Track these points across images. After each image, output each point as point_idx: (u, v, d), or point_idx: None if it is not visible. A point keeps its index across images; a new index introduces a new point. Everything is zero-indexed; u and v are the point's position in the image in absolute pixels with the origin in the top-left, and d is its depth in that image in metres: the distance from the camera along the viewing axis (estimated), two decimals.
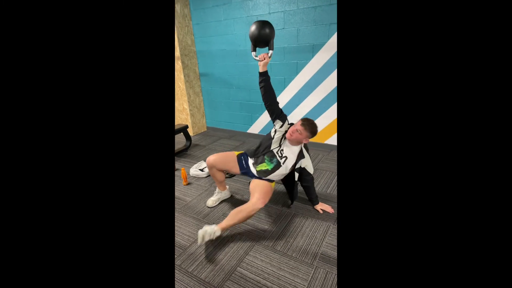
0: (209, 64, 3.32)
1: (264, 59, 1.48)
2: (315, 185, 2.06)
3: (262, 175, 1.62)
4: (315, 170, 2.36)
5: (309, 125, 1.51)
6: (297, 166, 1.60)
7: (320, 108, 2.70)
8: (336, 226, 1.61)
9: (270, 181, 1.65)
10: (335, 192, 2.00)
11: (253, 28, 1.44)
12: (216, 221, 1.71)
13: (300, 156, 1.60)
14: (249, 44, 2.86)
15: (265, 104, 1.58)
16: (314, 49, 2.51)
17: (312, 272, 1.29)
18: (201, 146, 3.13)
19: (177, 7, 2.96)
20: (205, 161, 2.54)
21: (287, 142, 1.61)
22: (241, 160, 1.72)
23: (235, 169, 1.72)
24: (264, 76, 1.52)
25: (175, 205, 1.92)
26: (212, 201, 1.88)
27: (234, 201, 1.94)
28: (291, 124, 1.64)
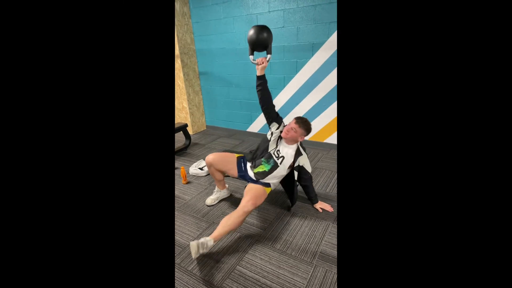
0: (208, 63, 3.31)
1: (263, 63, 1.50)
2: (314, 184, 2.07)
3: (260, 176, 1.61)
4: (314, 169, 2.36)
5: (303, 122, 1.54)
6: (296, 164, 1.59)
7: (320, 107, 2.70)
8: (335, 225, 1.61)
9: (267, 185, 1.62)
10: (335, 191, 2.00)
11: (251, 32, 1.45)
12: (215, 220, 1.71)
13: (298, 153, 1.60)
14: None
15: (261, 107, 1.60)
16: (314, 48, 2.51)
17: (312, 270, 1.29)
18: (200, 145, 3.13)
19: (177, 5, 2.95)
20: (204, 159, 2.54)
21: (283, 141, 1.62)
22: (240, 162, 1.72)
23: (233, 171, 1.70)
24: (262, 80, 1.53)
25: (175, 204, 1.92)
26: (211, 199, 1.88)
27: (233, 200, 1.94)
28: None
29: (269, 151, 1.62)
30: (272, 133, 1.64)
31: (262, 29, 1.44)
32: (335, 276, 1.25)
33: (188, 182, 2.22)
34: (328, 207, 1.75)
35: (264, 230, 1.60)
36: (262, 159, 1.62)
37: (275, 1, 2.55)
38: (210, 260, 1.37)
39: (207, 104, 3.60)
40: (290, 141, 1.58)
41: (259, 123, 3.24)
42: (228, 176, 1.99)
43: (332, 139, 2.77)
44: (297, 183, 1.71)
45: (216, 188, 1.89)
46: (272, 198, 1.91)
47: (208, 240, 1.28)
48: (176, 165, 2.54)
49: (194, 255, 1.25)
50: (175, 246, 1.49)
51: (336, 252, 1.40)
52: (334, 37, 2.38)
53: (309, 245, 1.46)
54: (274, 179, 1.62)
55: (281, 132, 1.61)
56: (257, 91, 1.56)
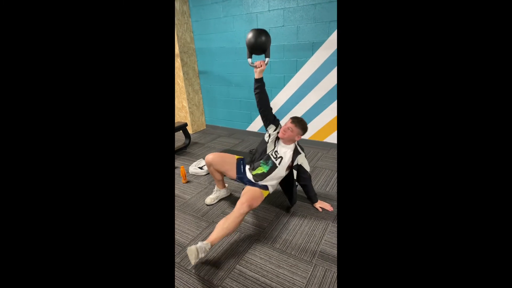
0: (208, 62, 3.30)
1: (261, 66, 1.51)
2: (314, 183, 2.07)
3: (259, 178, 1.61)
4: (314, 168, 2.36)
5: (298, 122, 1.55)
6: (294, 163, 1.59)
7: (320, 106, 2.69)
8: (335, 224, 1.61)
9: (265, 188, 1.62)
10: (334, 191, 2.00)
11: (250, 35, 1.47)
12: (215, 219, 1.71)
13: (296, 153, 1.60)
14: None
15: (259, 110, 1.61)
16: (313, 47, 2.51)
17: (311, 269, 1.29)
18: (200, 144, 3.13)
19: (176, 4, 2.94)
20: (204, 159, 2.54)
21: (281, 142, 1.62)
22: (240, 164, 1.72)
23: (231, 172, 1.70)
24: (260, 83, 1.55)
25: (175, 203, 1.92)
26: (210, 199, 1.88)
27: (233, 200, 1.94)
28: None
29: (267, 152, 1.62)
30: (269, 135, 1.65)
31: (261, 33, 1.46)
32: (335, 275, 1.25)
33: (187, 181, 2.22)
34: (328, 206, 1.75)
35: (263, 229, 1.60)
36: (261, 161, 1.62)
37: (275, 0, 2.54)
38: (209, 259, 1.38)
39: (207, 103, 3.60)
40: (288, 141, 1.59)
41: (258, 122, 3.24)
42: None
43: (332, 138, 2.77)
44: (296, 183, 1.71)
45: (216, 188, 1.89)
46: (272, 198, 1.91)
47: (206, 244, 1.25)
48: (176, 164, 2.54)
49: (193, 260, 1.21)
50: (175, 246, 1.49)
51: (335, 251, 1.40)
52: (334, 36, 2.38)
53: (308, 244, 1.46)
54: (273, 180, 1.62)
55: (278, 133, 1.62)
56: (255, 94, 1.58)
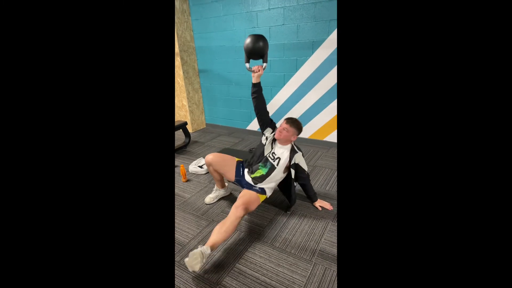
0: (208, 61, 3.30)
1: (259, 70, 1.54)
2: (314, 182, 2.07)
3: (258, 181, 1.61)
4: (314, 167, 2.37)
5: (293, 122, 1.57)
6: (292, 162, 1.60)
7: (320, 105, 2.69)
8: (334, 223, 1.62)
9: (263, 192, 1.62)
10: (334, 190, 2.00)
11: (248, 41, 1.49)
12: (215, 218, 1.72)
13: (293, 152, 1.61)
14: None
15: (256, 114, 1.65)
16: (314, 46, 2.50)
17: (311, 268, 1.30)
18: (200, 143, 3.12)
19: (176, 3, 2.94)
20: (204, 158, 2.54)
21: (277, 143, 1.63)
22: (239, 167, 1.73)
23: (230, 174, 1.71)
24: (257, 87, 1.58)
25: (175, 202, 1.92)
26: (210, 198, 1.88)
27: (232, 199, 1.94)
28: None
29: (265, 155, 1.63)
30: (266, 138, 1.67)
31: (259, 38, 1.48)
32: (334, 274, 1.25)
33: (187, 180, 2.22)
34: (327, 205, 1.75)
35: (263, 228, 1.60)
36: (260, 163, 1.63)
37: None
38: (209, 258, 1.38)
39: (207, 102, 3.59)
40: (284, 141, 1.60)
41: None
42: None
43: (332, 137, 2.77)
44: (295, 183, 1.71)
45: (216, 187, 1.89)
46: (271, 197, 1.91)
47: (206, 249, 1.22)
48: (176, 163, 2.54)
49: (198, 264, 1.16)
50: (175, 244, 1.49)
51: (335, 250, 1.40)
52: (334, 35, 2.37)
53: (308, 243, 1.47)
54: (271, 182, 1.63)
55: (274, 135, 1.63)
56: (252, 98, 1.61)
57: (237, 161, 1.75)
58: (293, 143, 1.65)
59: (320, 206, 1.76)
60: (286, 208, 1.76)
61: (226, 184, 1.95)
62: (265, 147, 1.64)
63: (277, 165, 1.59)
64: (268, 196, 1.66)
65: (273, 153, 1.62)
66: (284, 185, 1.72)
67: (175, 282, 1.24)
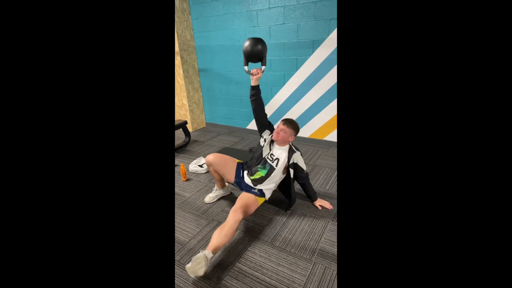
0: (208, 60, 3.29)
1: (258, 73, 1.55)
2: (314, 182, 2.07)
3: (257, 182, 1.62)
4: (314, 166, 2.37)
5: (290, 123, 1.59)
6: (290, 162, 1.60)
7: (320, 104, 2.69)
8: (334, 222, 1.62)
9: (261, 195, 1.62)
10: (334, 189, 2.00)
11: (246, 44, 1.51)
12: (215, 217, 1.72)
13: (291, 152, 1.62)
14: None
15: (254, 117, 1.66)
16: (314, 45, 2.50)
17: (311, 267, 1.30)
18: (200, 142, 3.12)
19: (176, 2, 2.93)
20: (204, 157, 2.54)
21: (275, 145, 1.64)
22: (239, 169, 1.73)
23: (230, 175, 1.71)
24: (256, 90, 1.59)
25: (175, 201, 1.92)
26: (210, 197, 1.88)
27: (232, 198, 1.94)
28: None
29: (263, 156, 1.63)
30: (264, 140, 1.67)
31: (257, 42, 1.50)
32: (334, 273, 1.25)
33: (187, 179, 2.22)
34: (327, 204, 1.75)
35: (263, 228, 1.60)
36: (259, 165, 1.63)
37: None
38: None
39: (207, 101, 3.59)
40: (282, 142, 1.61)
41: None
42: None
43: (332, 136, 2.77)
44: (295, 182, 1.71)
45: (216, 187, 1.89)
46: (272, 196, 1.91)
47: (208, 253, 1.21)
48: (176, 162, 2.54)
49: (203, 268, 1.15)
50: (175, 243, 1.49)
51: (335, 249, 1.40)
52: (334, 34, 2.37)
53: (308, 242, 1.47)
54: (271, 183, 1.63)
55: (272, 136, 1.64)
56: (251, 101, 1.62)
57: (238, 163, 1.76)
58: (291, 144, 1.65)
59: (320, 205, 1.76)
60: (286, 208, 1.76)
61: (226, 184, 1.95)
62: (263, 148, 1.65)
63: (276, 166, 1.60)
64: (267, 199, 1.66)
65: (272, 154, 1.62)
66: (284, 185, 1.72)
67: (175, 281, 1.24)
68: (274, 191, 1.73)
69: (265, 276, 1.26)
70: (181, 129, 2.96)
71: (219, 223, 1.66)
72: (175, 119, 3.31)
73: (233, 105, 3.36)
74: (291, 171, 1.62)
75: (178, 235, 1.56)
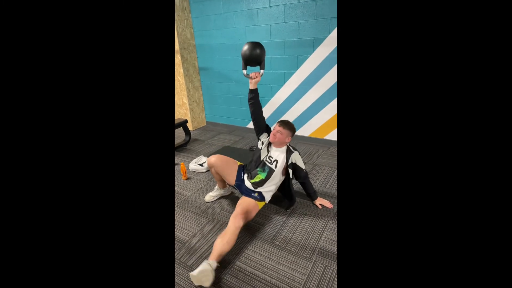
0: (208, 58, 3.29)
1: (256, 77, 1.56)
2: (314, 181, 2.07)
3: (258, 185, 1.62)
4: (314, 165, 2.37)
5: (286, 124, 1.60)
6: (289, 162, 1.61)
7: (320, 103, 2.69)
8: (334, 221, 1.62)
9: (262, 199, 1.62)
10: (334, 188, 2.00)
11: (245, 48, 1.52)
12: (215, 216, 1.72)
13: (289, 152, 1.62)
14: (248, 40, 2.83)
15: (252, 120, 1.68)
16: (314, 44, 2.49)
17: (311, 266, 1.30)
18: (200, 140, 3.13)
19: (176, 0, 2.92)
20: (205, 156, 2.54)
21: (273, 147, 1.65)
22: (240, 171, 1.73)
23: (231, 177, 1.71)
24: (254, 94, 1.60)
25: (175, 200, 1.92)
26: (210, 196, 1.88)
27: (233, 198, 1.94)
28: None
29: (262, 159, 1.64)
30: (262, 142, 1.68)
31: (256, 46, 1.51)
32: (334, 272, 1.25)
33: (188, 178, 2.22)
34: (327, 203, 1.75)
35: (263, 226, 1.61)
36: (258, 168, 1.63)
37: None
38: (210, 255, 1.38)
39: (207, 100, 3.59)
40: (279, 144, 1.61)
41: None
42: None
43: (332, 135, 2.77)
44: (295, 180, 1.71)
45: (217, 186, 1.90)
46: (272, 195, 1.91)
47: (212, 263, 1.21)
48: (176, 161, 2.54)
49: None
50: (175, 242, 1.49)
51: (335, 248, 1.41)
52: (335, 33, 2.36)
53: (308, 241, 1.47)
54: (271, 185, 1.63)
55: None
56: (249, 104, 1.63)
57: (239, 165, 1.76)
58: (288, 145, 1.66)
59: (320, 204, 1.76)
60: (286, 207, 1.77)
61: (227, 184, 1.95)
62: (261, 151, 1.65)
63: (275, 167, 1.60)
64: (267, 202, 1.67)
65: (270, 156, 1.63)
66: (283, 187, 1.73)
67: (176, 280, 1.25)
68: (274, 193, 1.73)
69: (265, 274, 1.26)
70: (181, 128, 2.96)
71: (219, 221, 1.66)
72: (176, 118, 3.31)
73: (233, 104, 3.35)
74: (290, 171, 1.62)
75: (178, 233, 1.57)
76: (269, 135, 1.67)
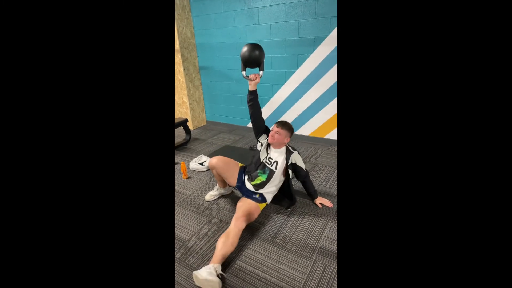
0: (209, 57, 3.28)
1: (255, 78, 1.56)
2: (314, 180, 2.07)
3: (259, 187, 1.62)
4: (314, 165, 2.37)
5: (284, 124, 1.60)
6: (289, 162, 1.61)
7: (321, 102, 2.68)
8: (335, 220, 1.62)
9: (263, 200, 1.62)
10: (335, 187, 2.00)
11: (244, 49, 1.52)
12: (215, 215, 1.72)
13: (288, 153, 1.63)
14: (249, 39, 2.83)
15: (252, 122, 1.68)
16: (315, 43, 2.49)
17: (311, 265, 1.30)
18: (200, 140, 3.13)
19: None
20: (205, 155, 2.54)
21: (272, 148, 1.65)
22: (242, 173, 1.73)
23: (232, 179, 1.71)
24: (253, 95, 1.60)
25: (175, 199, 1.92)
26: (210, 195, 1.89)
27: (233, 197, 1.95)
28: None
29: (261, 160, 1.64)
30: (261, 144, 1.69)
31: (255, 48, 1.52)
32: (334, 271, 1.26)
33: (188, 177, 2.22)
34: (327, 202, 1.76)
35: (264, 226, 1.61)
36: (258, 170, 1.63)
37: None
38: (210, 254, 1.39)
39: (208, 99, 3.58)
40: (278, 145, 1.61)
41: None
42: None
43: (333, 135, 2.77)
44: (295, 179, 1.70)
45: (217, 186, 1.90)
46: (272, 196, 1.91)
47: (217, 267, 1.20)
48: (177, 160, 2.54)
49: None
50: (176, 241, 1.50)
51: (335, 247, 1.41)
52: (335, 32, 2.35)
53: (308, 240, 1.47)
54: (272, 186, 1.63)
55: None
56: (248, 106, 1.63)
57: (241, 167, 1.76)
58: (287, 145, 1.66)
59: (320, 203, 1.76)
60: (287, 206, 1.77)
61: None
62: (261, 153, 1.66)
63: (276, 168, 1.61)
64: (268, 203, 1.67)
65: (270, 158, 1.63)
66: (283, 187, 1.73)
67: (176, 278, 1.25)
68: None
69: (266, 273, 1.26)
70: (181, 127, 2.96)
71: (220, 221, 1.66)
72: (176, 117, 3.31)
73: (234, 103, 3.35)
74: (290, 171, 1.62)
75: (179, 232, 1.57)
76: (268, 137, 1.67)
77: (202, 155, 2.51)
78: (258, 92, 1.64)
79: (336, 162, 2.39)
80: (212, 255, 1.30)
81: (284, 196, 1.79)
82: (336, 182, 2.07)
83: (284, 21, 2.57)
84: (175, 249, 1.44)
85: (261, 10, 2.65)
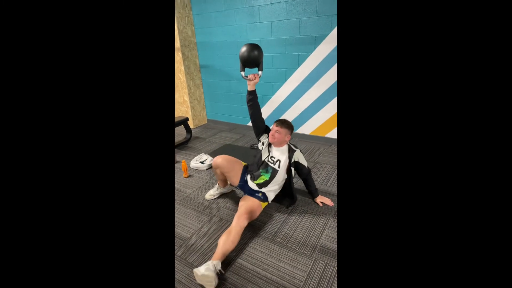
0: (209, 56, 3.28)
1: (254, 78, 1.56)
2: (315, 179, 2.07)
3: (262, 186, 1.62)
4: (315, 164, 2.36)
5: (283, 123, 1.60)
6: (292, 161, 1.61)
7: (322, 101, 2.68)
8: (335, 219, 1.62)
9: (265, 199, 1.62)
10: (335, 186, 2.00)
11: (243, 50, 1.52)
12: (216, 213, 1.72)
13: (291, 151, 1.63)
14: (249, 37, 2.82)
15: (252, 122, 1.68)
16: (316, 41, 2.48)
17: (311, 264, 1.30)
18: (201, 138, 3.13)
19: None
20: (206, 153, 2.54)
21: (273, 147, 1.65)
22: (245, 172, 1.73)
23: (235, 178, 1.71)
24: (253, 95, 1.60)
25: (176, 197, 1.93)
26: (210, 194, 1.89)
27: (233, 196, 1.95)
28: None
29: (263, 160, 1.64)
30: (263, 143, 1.69)
31: (254, 48, 1.52)
32: (335, 269, 1.26)
33: (189, 176, 2.23)
34: (328, 201, 1.76)
35: (264, 224, 1.61)
36: (260, 170, 1.63)
37: None
38: (211, 252, 1.39)
39: (208, 97, 3.58)
40: (279, 143, 1.61)
41: None
42: None
43: (334, 133, 2.76)
44: (296, 176, 1.70)
45: (218, 185, 1.90)
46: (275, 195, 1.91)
47: (217, 263, 1.20)
48: (177, 158, 2.55)
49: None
50: (177, 239, 1.50)
51: (335, 245, 1.41)
52: (336, 30, 2.35)
53: (309, 238, 1.47)
54: (275, 185, 1.63)
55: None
56: (248, 106, 1.63)
57: (244, 166, 1.75)
58: (288, 143, 1.66)
59: (321, 202, 1.76)
60: (288, 204, 1.77)
61: (229, 182, 1.95)
62: (262, 152, 1.65)
63: (279, 167, 1.60)
64: (270, 202, 1.67)
65: (272, 157, 1.63)
66: (284, 186, 1.73)
67: (177, 277, 1.26)
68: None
69: (266, 272, 1.27)
70: (182, 125, 2.96)
71: (221, 219, 1.67)
72: (177, 115, 3.31)
73: (234, 102, 3.35)
74: (292, 169, 1.62)
75: (179, 231, 1.57)
76: (268, 136, 1.67)
77: (203, 153, 2.52)
78: (258, 91, 1.64)
79: (336, 160, 2.39)
80: (213, 253, 1.31)
81: (285, 195, 1.79)
82: (337, 181, 2.08)
83: (285, 19, 2.56)
84: (176, 247, 1.44)
85: (262, 8, 2.65)
